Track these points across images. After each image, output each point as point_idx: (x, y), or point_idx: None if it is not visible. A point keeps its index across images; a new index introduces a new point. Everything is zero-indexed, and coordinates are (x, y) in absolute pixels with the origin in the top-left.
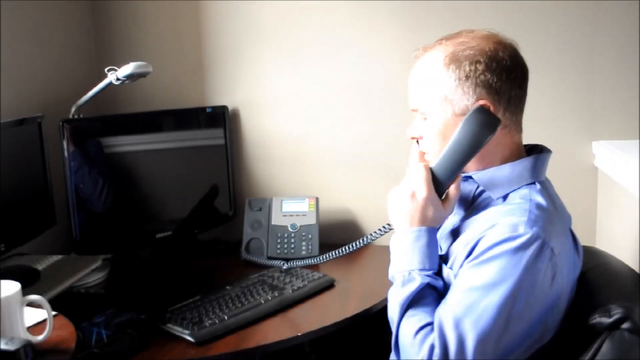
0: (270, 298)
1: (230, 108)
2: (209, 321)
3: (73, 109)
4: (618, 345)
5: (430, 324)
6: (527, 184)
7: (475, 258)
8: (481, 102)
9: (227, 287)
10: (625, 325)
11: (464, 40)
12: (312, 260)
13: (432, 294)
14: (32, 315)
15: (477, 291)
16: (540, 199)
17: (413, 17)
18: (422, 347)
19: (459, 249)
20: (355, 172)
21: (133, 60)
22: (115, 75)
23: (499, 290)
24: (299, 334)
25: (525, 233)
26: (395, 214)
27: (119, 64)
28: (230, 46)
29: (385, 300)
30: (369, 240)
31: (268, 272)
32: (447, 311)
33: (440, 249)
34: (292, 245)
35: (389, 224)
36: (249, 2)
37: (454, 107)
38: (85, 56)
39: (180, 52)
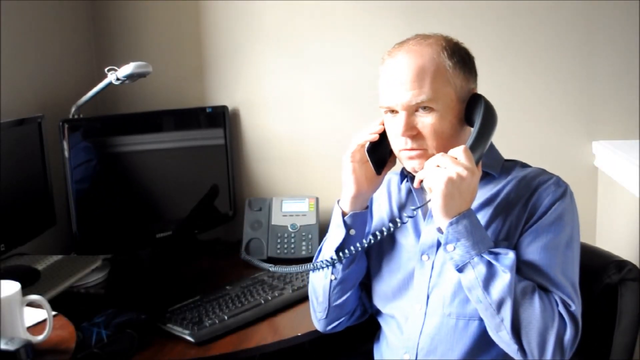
0: (270, 298)
1: (230, 108)
2: (209, 321)
3: (73, 109)
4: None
5: (539, 286)
6: (502, 163)
7: (539, 219)
8: (474, 90)
9: (227, 287)
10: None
11: (446, 38)
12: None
13: None
14: (32, 315)
15: (559, 244)
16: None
17: (413, 17)
18: (553, 306)
19: (509, 221)
20: None
21: (133, 60)
22: (115, 75)
23: (572, 236)
24: (299, 334)
25: (564, 185)
26: (448, 200)
27: (119, 64)
28: (230, 46)
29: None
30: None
31: (268, 272)
32: (546, 270)
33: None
34: (292, 245)
35: (377, 233)
36: (249, 2)
37: (457, 95)
38: (85, 56)
39: (180, 52)
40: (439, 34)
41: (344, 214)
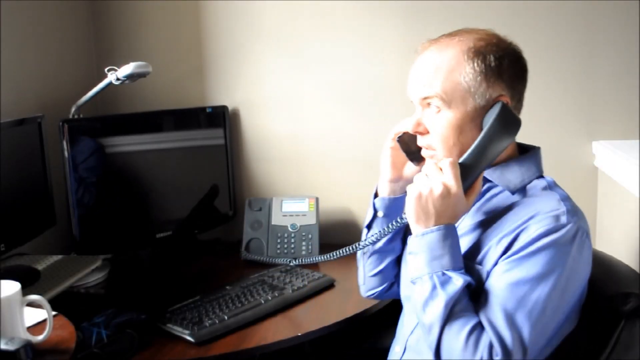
0: (270, 298)
1: (230, 108)
2: (209, 321)
3: (73, 109)
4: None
5: (478, 324)
6: (537, 177)
7: (518, 251)
8: (503, 98)
9: (227, 287)
10: None
11: (482, 37)
12: (321, 258)
13: (468, 292)
14: (32, 315)
15: (526, 284)
16: (561, 190)
17: (413, 17)
18: (479, 348)
19: (490, 245)
20: (355, 172)
21: (133, 60)
22: (115, 75)
23: (549, 281)
24: (299, 334)
25: (568, 223)
26: (419, 212)
27: (119, 64)
28: (230, 46)
29: (386, 300)
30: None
31: (268, 272)
32: (495, 308)
33: None
34: (292, 245)
35: (397, 221)
36: (249, 2)
37: (475, 101)
38: (85, 56)
39: (180, 52)
40: (475, 32)
41: (375, 195)
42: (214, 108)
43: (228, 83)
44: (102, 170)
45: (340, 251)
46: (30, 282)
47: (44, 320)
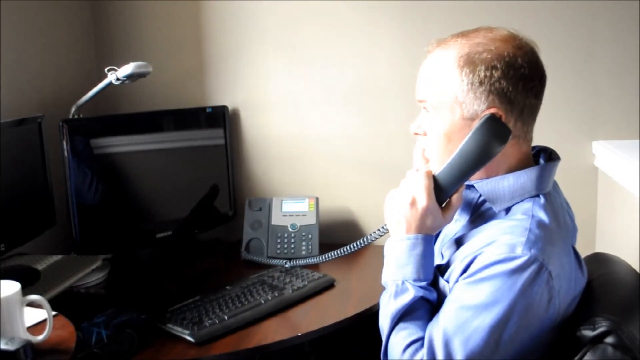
0: (270, 298)
1: (230, 108)
2: (209, 321)
3: (73, 109)
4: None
5: (421, 339)
6: (531, 197)
7: (471, 275)
8: (492, 110)
9: (227, 287)
10: (608, 340)
11: (482, 42)
12: (313, 260)
13: (424, 305)
14: (32, 315)
15: (469, 310)
16: (543, 215)
17: (413, 17)
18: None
19: (456, 262)
20: (355, 172)
21: (133, 60)
22: (115, 75)
23: (492, 312)
24: (299, 334)
25: (522, 255)
26: (391, 219)
27: (119, 64)
28: (230, 46)
29: None
30: (370, 240)
31: (268, 272)
32: (438, 328)
33: (442, 256)
34: (292, 245)
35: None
36: (249, 2)
37: (463, 111)
38: (85, 56)
39: (180, 52)
40: (482, 34)
41: None
42: (214, 108)
43: (228, 83)
44: (102, 170)
45: (338, 251)
46: (30, 282)
47: (44, 320)
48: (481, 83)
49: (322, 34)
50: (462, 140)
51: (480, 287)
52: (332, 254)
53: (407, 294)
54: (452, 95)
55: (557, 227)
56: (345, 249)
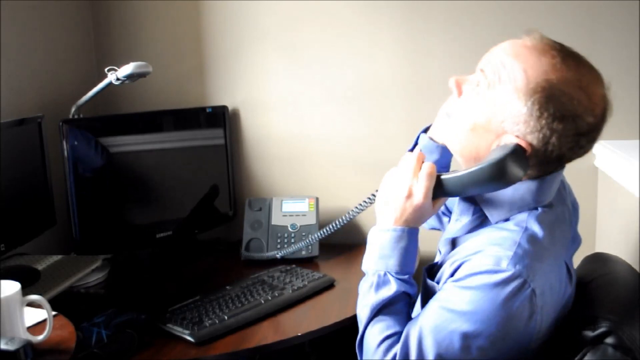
0: (270, 298)
1: (230, 108)
2: (209, 321)
3: (73, 109)
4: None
5: (397, 333)
6: (530, 209)
7: (456, 280)
8: (524, 142)
9: (227, 287)
10: (608, 340)
11: (574, 82)
12: (305, 243)
13: (404, 299)
14: (32, 315)
15: (447, 313)
16: (537, 229)
17: (413, 18)
18: (387, 355)
19: (446, 265)
20: (355, 172)
21: (133, 60)
22: (115, 75)
23: (469, 321)
24: (299, 334)
25: (506, 270)
26: (383, 201)
27: (119, 64)
28: (230, 46)
29: None
30: (357, 212)
31: (268, 272)
32: (417, 325)
33: (440, 252)
34: (286, 246)
35: (374, 195)
36: (249, 2)
37: (505, 118)
38: (85, 56)
39: (180, 52)
40: (559, 57)
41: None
42: (214, 108)
43: (228, 83)
44: (102, 170)
45: (331, 226)
46: (30, 282)
47: (44, 320)
48: (540, 117)
49: (322, 34)
50: (487, 145)
51: (464, 293)
52: (323, 231)
53: (389, 288)
54: (509, 100)
55: (550, 242)
56: (337, 222)
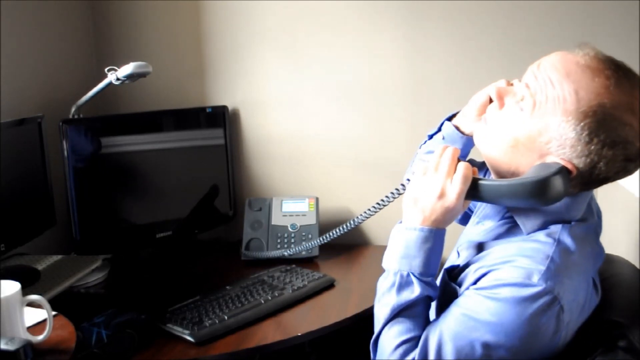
0: (270, 298)
1: (230, 108)
2: (209, 321)
3: (73, 109)
4: None
5: (415, 338)
6: (562, 222)
7: (482, 288)
8: (570, 165)
9: (227, 287)
10: (620, 343)
11: (627, 106)
12: (312, 243)
13: (424, 302)
14: (32, 315)
15: (470, 321)
16: (569, 242)
17: (413, 18)
18: (404, 359)
19: (470, 271)
20: (355, 172)
21: (133, 60)
22: (115, 75)
23: (491, 332)
24: (299, 334)
25: (537, 285)
26: (412, 200)
27: (119, 64)
28: (230, 46)
29: None
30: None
31: (268, 272)
32: (437, 330)
33: (458, 254)
34: (292, 246)
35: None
36: (248, 3)
37: (549, 146)
38: (85, 56)
39: (180, 52)
40: (612, 83)
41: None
42: (214, 108)
43: (228, 83)
44: (102, 170)
45: (339, 229)
46: (30, 282)
47: (44, 320)
48: (589, 143)
49: (322, 34)
50: (527, 162)
51: (489, 303)
52: (332, 233)
53: (412, 291)
54: (557, 122)
55: (580, 257)
56: (347, 225)
